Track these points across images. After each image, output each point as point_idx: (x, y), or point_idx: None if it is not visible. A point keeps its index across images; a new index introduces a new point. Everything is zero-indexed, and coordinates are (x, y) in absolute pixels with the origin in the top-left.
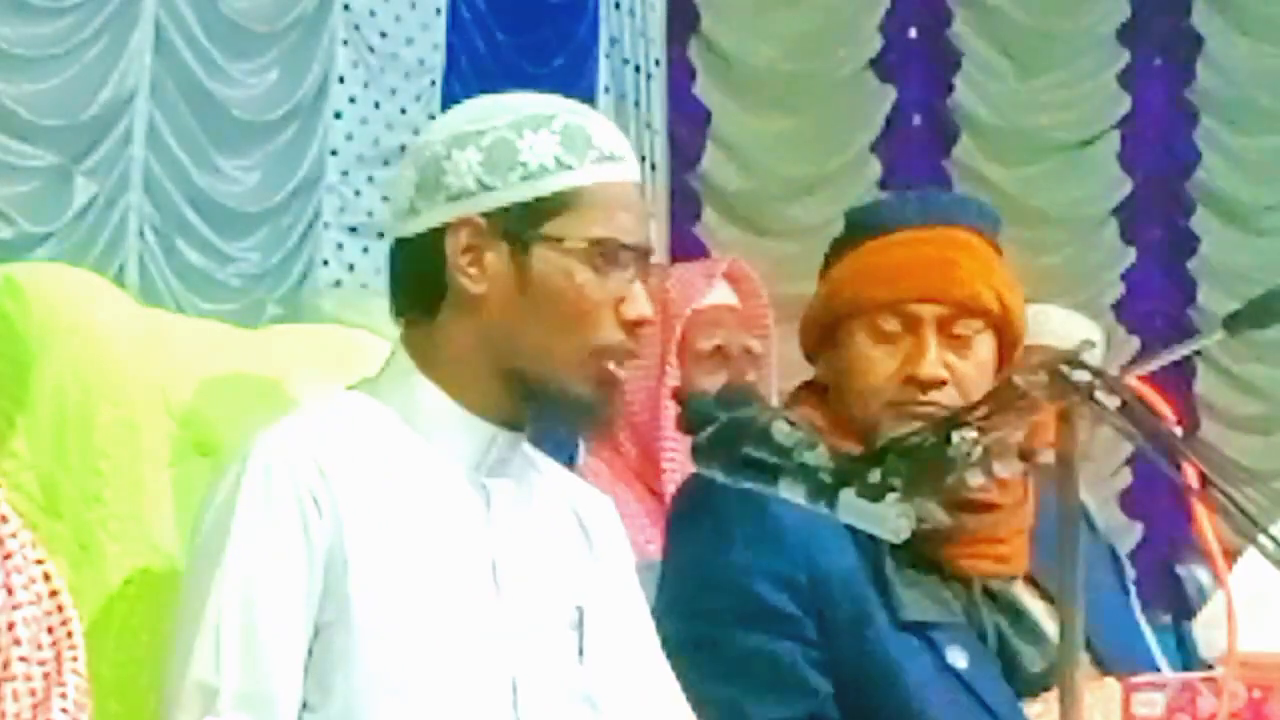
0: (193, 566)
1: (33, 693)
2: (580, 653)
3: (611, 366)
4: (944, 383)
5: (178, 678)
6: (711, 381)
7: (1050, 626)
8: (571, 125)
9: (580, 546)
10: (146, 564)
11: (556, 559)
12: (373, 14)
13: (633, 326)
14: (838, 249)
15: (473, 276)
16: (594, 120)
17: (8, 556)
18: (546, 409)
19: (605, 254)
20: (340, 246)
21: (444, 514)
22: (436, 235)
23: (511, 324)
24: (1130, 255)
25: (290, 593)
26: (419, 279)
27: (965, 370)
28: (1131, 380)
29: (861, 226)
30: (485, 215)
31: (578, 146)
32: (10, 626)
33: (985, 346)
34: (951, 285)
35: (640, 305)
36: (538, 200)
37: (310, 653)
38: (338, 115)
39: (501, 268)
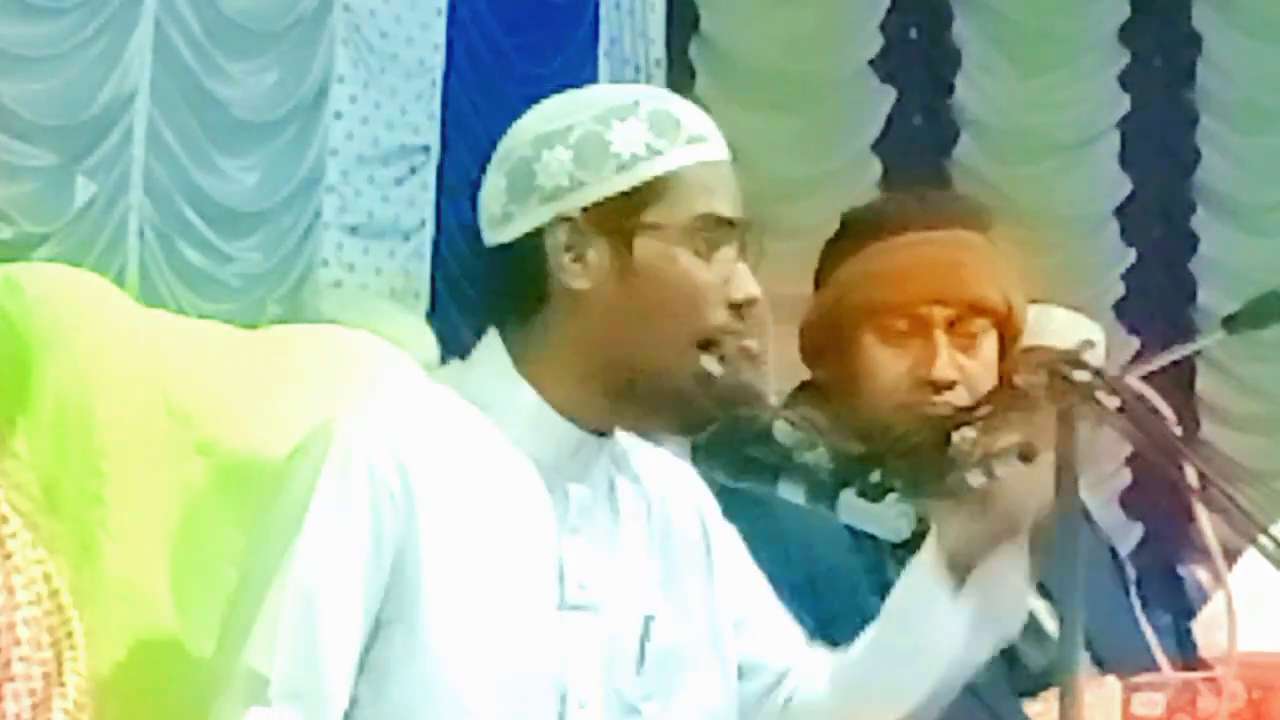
0: (260, 546)
1: (33, 693)
2: (640, 663)
3: (714, 363)
4: (955, 384)
5: (229, 659)
6: None
7: (1051, 625)
8: (658, 110)
9: (662, 548)
10: (146, 564)
11: (629, 567)
12: (373, 14)
13: (740, 307)
14: (837, 252)
15: (576, 273)
16: (677, 103)
17: (8, 557)
18: (643, 409)
19: (706, 232)
20: (340, 246)
21: (519, 518)
22: (534, 237)
23: (619, 318)
24: (1130, 255)
25: (353, 592)
26: (520, 282)
27: (974, 370)
28: (1132, 380)
29: (862, 229)
30: (583, 210)
31: (667, 130)
32: (11, 626)
33: (990, 344)
34: (960, 287)
35: (747, 284)
36: (634, 190)
37: (367, 650)
38: (338, 115)
39: (604, 262)
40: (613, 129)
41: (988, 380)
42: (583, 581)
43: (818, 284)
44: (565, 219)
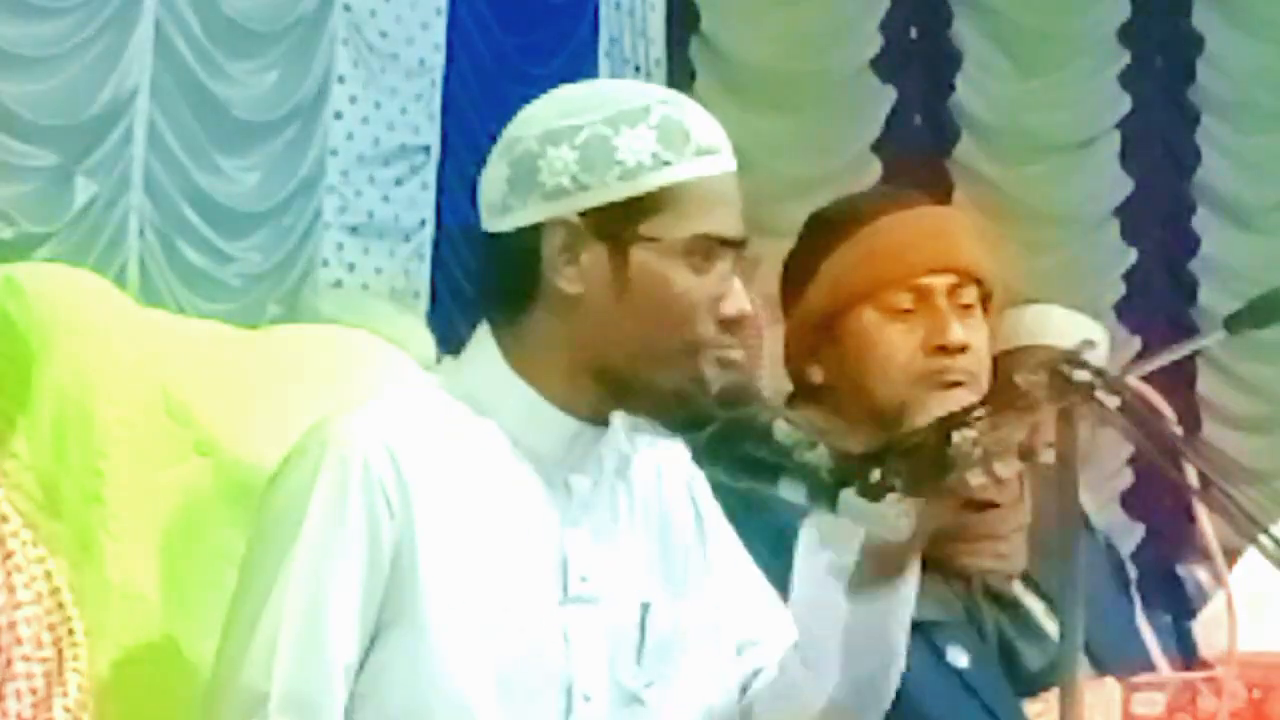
0: (257, 555)
1: (34, 691)
2: (640, 652)
3: (705, 367)
4: (968, 347)
5: (229, 675)
6: None
7: (1050, 625)
8: (668, 118)
9: (659, 530)
10: (146, 564)
11: (629, 555)
12: (373, 14)
13: (730, 323)
14: (815, 250)
15: (569, 277)
16: (690, 111)
17: (9, 556)
18: (637, 405)
19: (704, 250)
20: (340, 246)
21: (520, 514)
22: (530, 233)
23: (607, 324)
24: (1130, 255)
25: (352, 599)
26: (512, 276)
27: (975, 339)
28: (1132, 380)
29: (838, 223)
30: (581, 215)
31: (675, 142)
32: (12, 625)
33: (981, 317)
34: (956, 253)
35: (739, 301)
36: (636, 199)
37: (367, 652)
38: (338, 115)
39: (599, 268)
40: (621, 134)
41: (987, 351)
42: (585, 574)
43: (791, 288)
44: (564, 221)
